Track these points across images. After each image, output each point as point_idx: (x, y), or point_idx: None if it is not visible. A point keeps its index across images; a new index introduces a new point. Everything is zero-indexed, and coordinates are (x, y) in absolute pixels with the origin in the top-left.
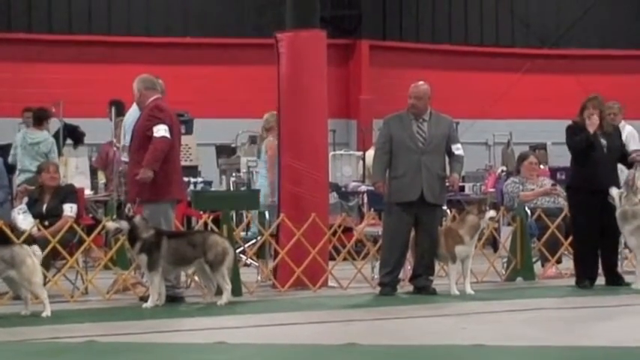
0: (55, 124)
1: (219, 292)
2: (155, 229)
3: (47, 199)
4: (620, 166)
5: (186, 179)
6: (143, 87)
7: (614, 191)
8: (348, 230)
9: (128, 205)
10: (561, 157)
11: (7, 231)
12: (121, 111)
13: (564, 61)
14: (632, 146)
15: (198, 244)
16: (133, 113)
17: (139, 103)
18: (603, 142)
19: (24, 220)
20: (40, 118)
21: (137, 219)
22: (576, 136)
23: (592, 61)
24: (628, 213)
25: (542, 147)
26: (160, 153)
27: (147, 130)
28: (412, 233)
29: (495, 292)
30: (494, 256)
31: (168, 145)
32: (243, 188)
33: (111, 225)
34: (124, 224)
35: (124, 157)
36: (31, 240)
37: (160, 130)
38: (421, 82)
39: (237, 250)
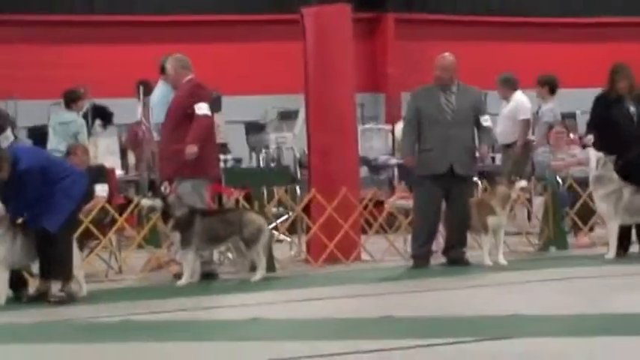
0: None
1: (252, 268)
2: (189, 206)
3: None
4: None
5: None
6: (179, 66)
7: (591, 153)
8: (379, 204)
9: (165, 184)
10: None
11: None
12: (148, 91)
13: (591, 29)
14: (521, 116)
15: (233, 221)
16: (160, 91)
17: (174, 81)
18: (632, 109)
19: None
20: (69, 100)
21: (171, 198)
22: (606, 108)
23: (620, 28)
24: (604, 177)
25: (572, 116)
26: (204, 130)
27: (187, 107)
28: (444, 205)
29: (528, 262)
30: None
31: (211, 123)
32: (272, 164)
33: (145, 202)
34: (158, 202)
35: (156, 136)
36: None
37: (203, 108)
38: (447, 54)
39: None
